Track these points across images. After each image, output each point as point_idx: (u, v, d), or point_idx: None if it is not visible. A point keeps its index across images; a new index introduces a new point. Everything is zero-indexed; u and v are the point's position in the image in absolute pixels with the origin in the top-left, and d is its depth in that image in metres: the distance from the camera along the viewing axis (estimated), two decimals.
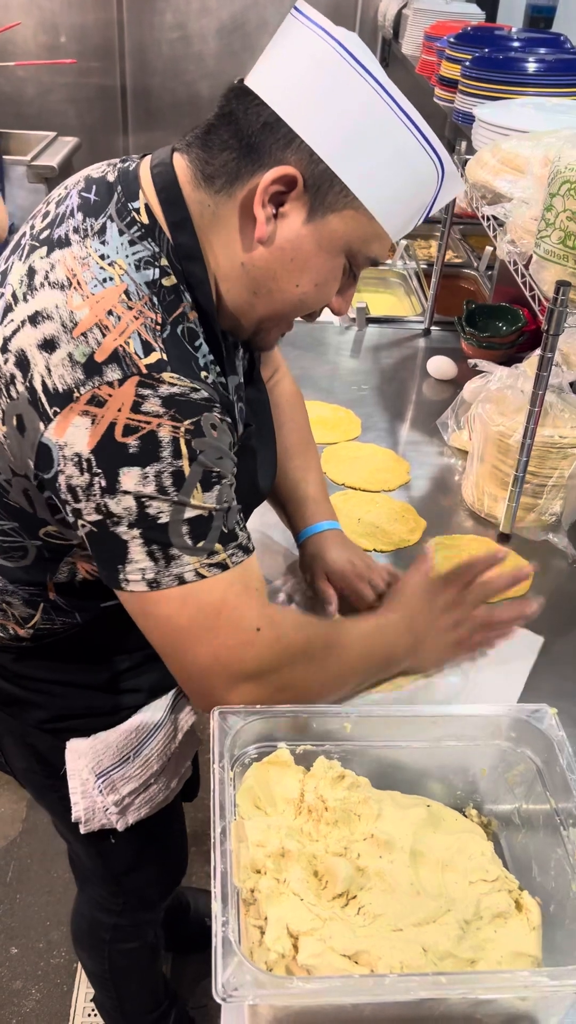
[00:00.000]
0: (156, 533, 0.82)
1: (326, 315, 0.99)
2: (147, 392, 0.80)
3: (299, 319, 0.99)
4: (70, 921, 1.52)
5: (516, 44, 2.33)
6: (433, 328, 2.16)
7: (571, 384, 1.52)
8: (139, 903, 1.38)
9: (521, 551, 1.41)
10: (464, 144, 1.89)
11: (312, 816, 0.85)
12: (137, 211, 0.88)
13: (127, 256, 0.85)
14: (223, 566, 0.86)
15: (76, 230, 0.87)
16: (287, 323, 0.99)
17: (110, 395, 0.80)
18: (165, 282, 0.86)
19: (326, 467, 1.56)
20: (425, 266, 2.46)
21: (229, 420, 0.88)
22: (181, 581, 0.84)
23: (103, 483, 0.81)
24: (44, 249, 0.88)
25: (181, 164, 0.90)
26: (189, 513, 0.83)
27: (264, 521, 1.35)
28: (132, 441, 0.80)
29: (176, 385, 0.81)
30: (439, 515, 1.50)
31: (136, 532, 0.82)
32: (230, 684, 0.90)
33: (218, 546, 0.85)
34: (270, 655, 0.91)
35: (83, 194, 0.91)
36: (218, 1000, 0.67)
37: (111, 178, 0.91)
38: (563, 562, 1.40)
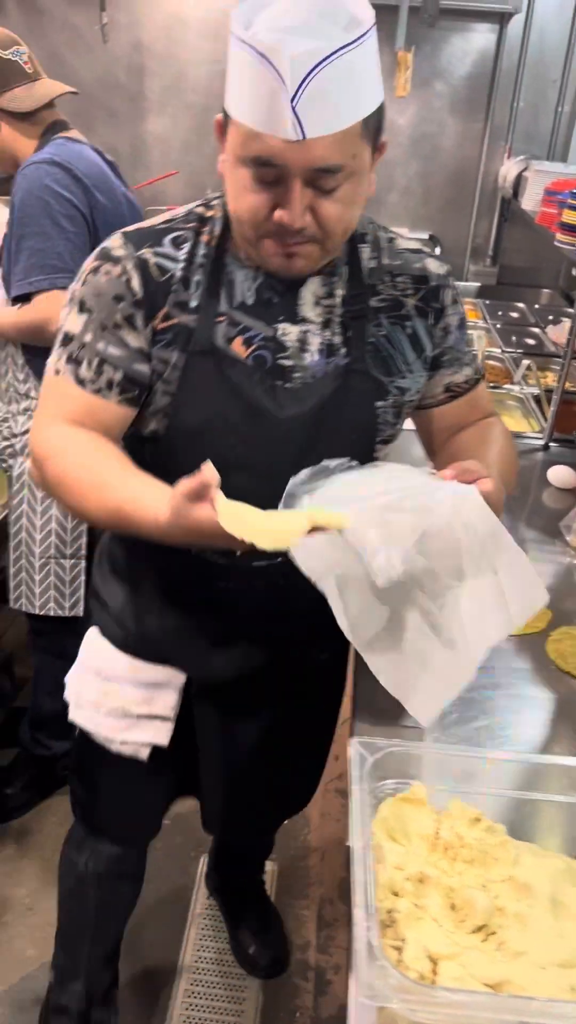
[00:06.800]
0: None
1: None
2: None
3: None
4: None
5: None
6: (552, 444, 2.20)
7: None
8: (82, 815, 1.45)
9: None
10: None
11: (448, 853, 0.84)
12: None
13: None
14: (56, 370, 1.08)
15: None
16: (272, 241, 1.02)
17: None
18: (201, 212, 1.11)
19: None
20: (544, 392, 2.54)
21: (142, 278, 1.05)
22: None
23: None
24: None
25: None
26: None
27: None
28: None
29: (110, 243, 1.07)
30: (563, 609, 1.50)
31: None
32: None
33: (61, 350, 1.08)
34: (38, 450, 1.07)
35: None
36: (363, 1002, 0.66)
37: None
38: None
